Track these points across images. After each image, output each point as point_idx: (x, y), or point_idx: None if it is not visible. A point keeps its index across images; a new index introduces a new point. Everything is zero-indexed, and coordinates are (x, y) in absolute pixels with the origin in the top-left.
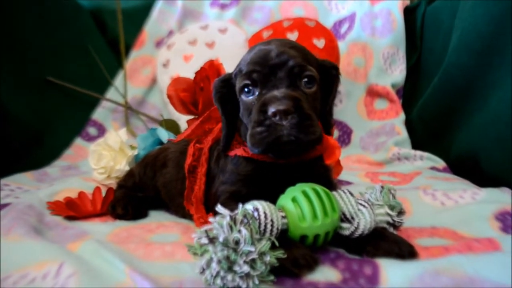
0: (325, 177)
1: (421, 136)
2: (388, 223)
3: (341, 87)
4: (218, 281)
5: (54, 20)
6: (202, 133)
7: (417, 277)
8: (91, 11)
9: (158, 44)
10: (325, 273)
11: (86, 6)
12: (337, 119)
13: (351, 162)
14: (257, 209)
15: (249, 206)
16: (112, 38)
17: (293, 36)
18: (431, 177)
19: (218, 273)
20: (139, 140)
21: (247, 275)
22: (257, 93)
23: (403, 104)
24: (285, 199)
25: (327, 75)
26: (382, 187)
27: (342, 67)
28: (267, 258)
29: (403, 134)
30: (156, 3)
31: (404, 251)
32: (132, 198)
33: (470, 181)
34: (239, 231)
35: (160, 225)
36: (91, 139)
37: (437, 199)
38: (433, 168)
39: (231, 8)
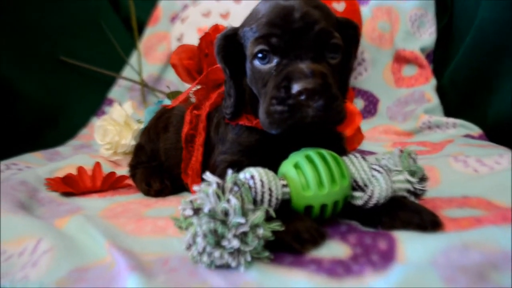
0: (338, 146)
1: (454, 102)
2: (408, 191)
3: (366, 54)
4: (205, 258)
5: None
6: (202, 97)
7: (441, 252)
8: None
9: (173, 19)
10: (333, 249)
11: None
12: (362, 88)
13: (378, 133)
14: (252, 177)
15: (244, 173)
16: (126, 16)
17: None
18: (464, 144)
19: (204, 248)
20: (146, 113)
21: (238, 251)
22: (275, 61)
23: (434, 69)
24: (286, 166)
25: (345, 35)
26: (401, 151)
27: (366, 33)
28: (260, 231)
29: (434, 100)
30: None
31: (426, 221)
32: (160, 170)
33: (510, 148)
34: (228, 201)
35: (159, 199)
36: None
37: (469, 166)
38: (467, 136)
39: None
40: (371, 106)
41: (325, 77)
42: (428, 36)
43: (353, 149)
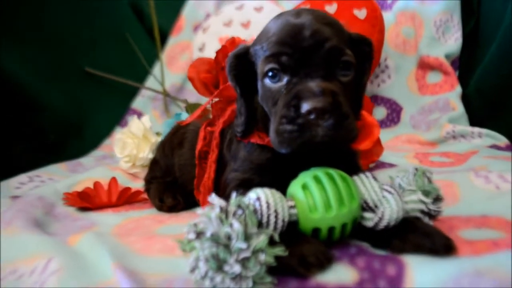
0: (351, 163)
1: (480, 110)
2: (422, 211)
3: (390, 61)
4: (207, 282)
5: (91, 11)
6: (216, 114)
7: (451, 279)
8: (130, 1)
9: (196, 28)
10: (340, 273)
11: None
12: (385, 96)
13: (401, 143)
14: (258, 198)
15: (252, 194)
16: (150, 26)
17: (331, 8)
18: (489, 156)
19: (206, 273)
20: (164, 126)
21: (240, 276)
22: (285, 80)
23: (460, 76)
24: (294, 186)
25: (359, 52)
26: (416, 169)
27: (390, 39)
28: (262, 257)
29: (459, 109)
30: None
31: (438, 245)
32: (174, 185)
33: None
34: (231, 225)
35: (173, 215)
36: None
37: (491, 182)
38: (493, 146)
39: None
40: (394, 114)
41: (335, 95)
42: (453, 41)
43: (373, 162)
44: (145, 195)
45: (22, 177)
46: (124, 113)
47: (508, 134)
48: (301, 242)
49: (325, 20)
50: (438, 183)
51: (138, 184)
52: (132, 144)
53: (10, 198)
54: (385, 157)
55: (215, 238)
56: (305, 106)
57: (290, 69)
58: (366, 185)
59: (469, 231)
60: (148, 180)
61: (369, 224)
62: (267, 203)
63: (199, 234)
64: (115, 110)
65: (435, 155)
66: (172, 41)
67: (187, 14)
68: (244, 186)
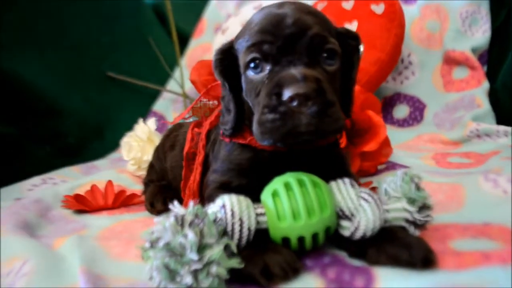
0: (340, 166)
1: (508, 107)
2: (407, 220)
3: (414, 57)
4: None
5: (113, 16)
6: (203, 114)
7: None
8: (153, 5)
9: (217, 30)
10: (306, 283)
11: (149, 2)
12: (408, 93)
13: (423, 142)
14: (223, 206)
15: (218, 201)
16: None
17: (348, 4)
18: (508, 157)
19: (160, 282)
20: None
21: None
22: (268, 69)
23: (488, 71)
24: (265, 193)
25: (345, 47)
26: (404, 174)
27: (414, 33)
28: (214, 269)
29: (485, 106)
30: None
31: (416, 257)
32: (167, 189)
33: None
34: (185, 235)
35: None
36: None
37: (499, 186)
38: None
39: None
40: (417, 112)
41: (319, 82)
42: (481, 34)
43: (381, 163)
44: (142, 198)
45: (36, 179)
46: (145, 115)
47: None
48: (267, 252)
49: (308, 10)
50: (446, 186)
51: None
52: (137, 147)
53: (14, 201)
54: (399, 158)
55: (169, 248)
56: (287, 93)
57: (272, 58)
58: (343, 192)
59: (464, 241)
60: (146, 183)
61: (346, 233)
62: (232, 211)
63: (153, 243)
64: (137, 113)
65: (454, 156)
66: (194, 44)
67: (209, 15)
68: (223, 189)
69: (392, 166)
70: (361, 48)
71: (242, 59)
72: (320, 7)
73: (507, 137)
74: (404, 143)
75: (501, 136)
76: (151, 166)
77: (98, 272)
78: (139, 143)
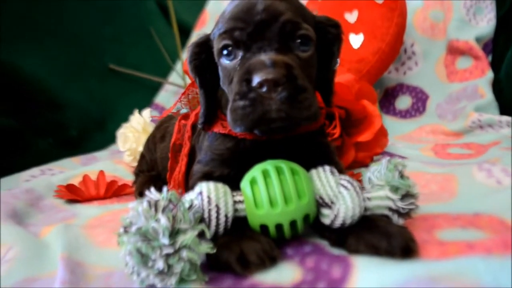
0: (323, 154)
1: (511, 97)
2: (390, 209)
3: (417, 47)
4: (135, 277)
5: (115, 8)
6: (193, 105)
7: (397, 284)
8: None
9: None
10: (282, 273)
11: None
12: (411, 84)
13: (425, 133)
14: (200, 193)
15: (196, 188)
16: (177, 22)
17: None
18: (508, 148)
19: (133, 267)
20: None
21: (165, 272)
22: (240, 56)
23: (493, 61)
24: (244, 181)
25: (325, 35)
26: (389, 162)
27: (417, 23)
28: (184, 254)
29: (488, 96)
30: None
31: (395, 246)
32: (157, 180)
33: None
34: (157, 220)
35: None
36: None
37: (493, 176)
38: None
39: None
40: (420, 103)
41: (289, 67)
42: (485, 23)
43: (376, 154)
44: (133, 188)
45: (35, 170)
46: (147, 107)
47: None
48: (245, 239)
49: None
50: (439, 177)
51: None
52: (133, 138)
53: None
54: (397, 149)
55: (141, 232)
56: (256, 79)
57: (243, 44)
58: (322, 180)
59: (452, 231)
60: (136, 173)
61: (326, 221)
62: (208, 197)
63: (127, 228)
64: (139, 105)
65: (455, 147)
66: (196, 36)
67: (211, 7)
68: (206, 179)
69: (390, 155)
70: (343, 36)
71: (216, 46)
72: None
73: (510, 128)
74: (406, 134)
75: (504, 126)
76: (142, 157)
77: (78, 259)
78: (135, 134)
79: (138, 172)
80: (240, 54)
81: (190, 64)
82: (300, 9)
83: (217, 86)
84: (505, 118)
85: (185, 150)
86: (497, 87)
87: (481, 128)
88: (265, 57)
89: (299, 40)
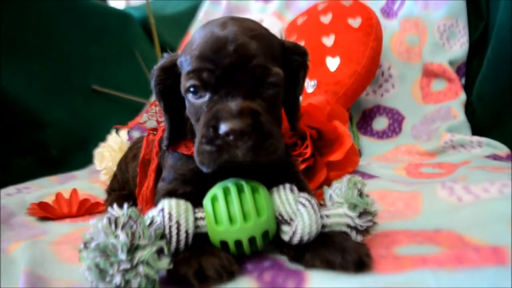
0: (287, 172)
1: (483, 118)
2: (348, 226)
3: (394, 70)
4: None
5: (100, 30)
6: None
7: None
8: (141, 19)
9: None
10: (240, 286)
11: (137, 16)
12: (388, 106)
13: (400, 154)
14: (162, 210)
15: (159, 205)
16: (160, 44)
17: (326, 18)
18: (477, 166)
19: (92, 282)
20: None
21: (122, 287)
22: (207, 97)
23: (467, 83)
24: (206, 198)
25: (292, 62)
26: (349, 180)
27: (394, 47)
28: (140, 269)
29: (460, 117)
30: (203, 4)
31: (349, 261)
32: (128, 198)
33: None
34: (116, 236)
35: None
36: (128, 141)
37: (454, 193)
38: (491, 156)
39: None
40: (396, 124)
41: (256, 115)
42: (458, 47)
43: (348, 173)
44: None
45: (11, 189)
46: (130, 128)
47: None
48: (204, 254)
49: (252, 32)
50: (406, 195)
51: None
52: (109, 157)
53: None
54: (371, 168)
55: (101, 248)
56: (223, 128)
57: (211, 87)
58: (282, 197)
59: (410, 246)
60: (108, 192)
61: (286, 237)
62: (169, 214)
63: (87, 244)
64: (121, 125)
65: (427, 166)
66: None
67: (194, 30)
68: (169, 196)
69: (362, 175)
70: (309, 64)
71: (183, 82)
72: (300, 21)
73: (481, 148)
74: (382, 155)
75: (475, 146)
76: (114, 176)
77: (41, 273)
78: (111, 153)
79: (110, 190)
80: (207, 95)
81: (155, 88)
82: (270, 47)
83: (182, 109)
84: (476, 138)
85: (153, 165)
86: (470, 109)
87: (454, 148)
88: (232, 104)
89: (268, 86)
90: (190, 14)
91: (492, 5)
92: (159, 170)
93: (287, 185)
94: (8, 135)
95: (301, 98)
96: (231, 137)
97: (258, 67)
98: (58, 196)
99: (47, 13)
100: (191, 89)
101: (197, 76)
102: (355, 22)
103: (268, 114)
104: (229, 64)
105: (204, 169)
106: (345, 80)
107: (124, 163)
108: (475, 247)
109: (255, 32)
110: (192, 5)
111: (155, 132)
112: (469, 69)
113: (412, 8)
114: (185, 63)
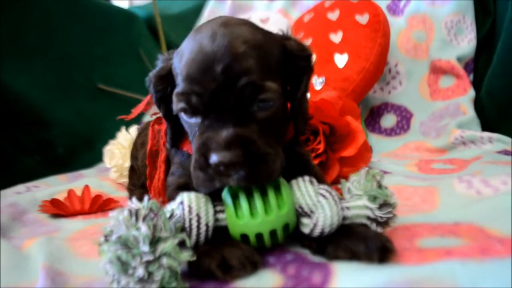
0: (301, 164)
1: (492, 114)
2: (368, 218)
3: (401, 67)
4: (115, 285)
5: (105, 29)
6: None
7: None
8: (146, 19)
9: None
10: (263, 279)
11: (141, 15)
12: (396, 103)
13: (409, 151)
14: (182, 203)
15: (178, 198)
16: (166, 43)
17: (333, 15)
18: (489, 161)
19: (113, 276)
20: None
21: (145, 280)
22: (199, 118)
23: (475, 79)
24: (226, 191)
25: (295, 65)
26: (368, 172)
27: (401, 44)
28: (164, 261)
29: (470, 113)
30: (207, 3)
31: (372, 248)
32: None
33: None
34: (137, 229)
35: None
36: None
37: (473, 187)
38: (502, 152)
39: None
40: (404, 121)
41: (247, 144)
42: (466, 43)
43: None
44: (119, 203)
45: (20, 187)
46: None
47: None
48: (226, 246)
49: (245, 43)
50: (421, 190)
51: (125, 194)
52: (119, 154)
53: None
54: (382, 165)
55: (122, 241)
56: (213, 158)
57: (200, 111)
58: (302, 189)
59: (432, 239)
60: (130, 189)
61: (306, 230)
62: (189, 207)
63: (107, 237)
64: (127, 124)
65: (438, 162)
66: None
67: None
68: (181, 190)
69: None
70: (313, 67)
71: (174, 101)
72: (307, 18)
73: (492, 143)
74: (391, 152)
75: (486, 142)
76: (131, 169)
77: (61, 269)
78: (121, 151)
79: (131, 187)
80: (198, 117)
81: (154, 96)
82: (265, 58)
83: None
84: (487, 134)
85: (162, 157)
86: (479, 105)
87: (464, 145)
88: (222, 133)
89: (260, 103)
90: (195, 13)
91: (499, 1)
92: (168, 161)
93: (306, 177)
94: (14, 134)
95: (308, 96)
96: (221, 168)
97: (247, 86)
98: (70, 193)
99: (52, 13)
100: (183, 111)
101: (186, 100)
102: (362, 19)
103: (264, 133)
104: (216, 87)
105: (201, 191)
106: (353, 77)
107: (135, 149)
108: (499, 238)
109: (248, 42)
110: (197, 4)
111: (160, 121)
112: (476, 66)
113: (419, 4)
114: (176, 76)
